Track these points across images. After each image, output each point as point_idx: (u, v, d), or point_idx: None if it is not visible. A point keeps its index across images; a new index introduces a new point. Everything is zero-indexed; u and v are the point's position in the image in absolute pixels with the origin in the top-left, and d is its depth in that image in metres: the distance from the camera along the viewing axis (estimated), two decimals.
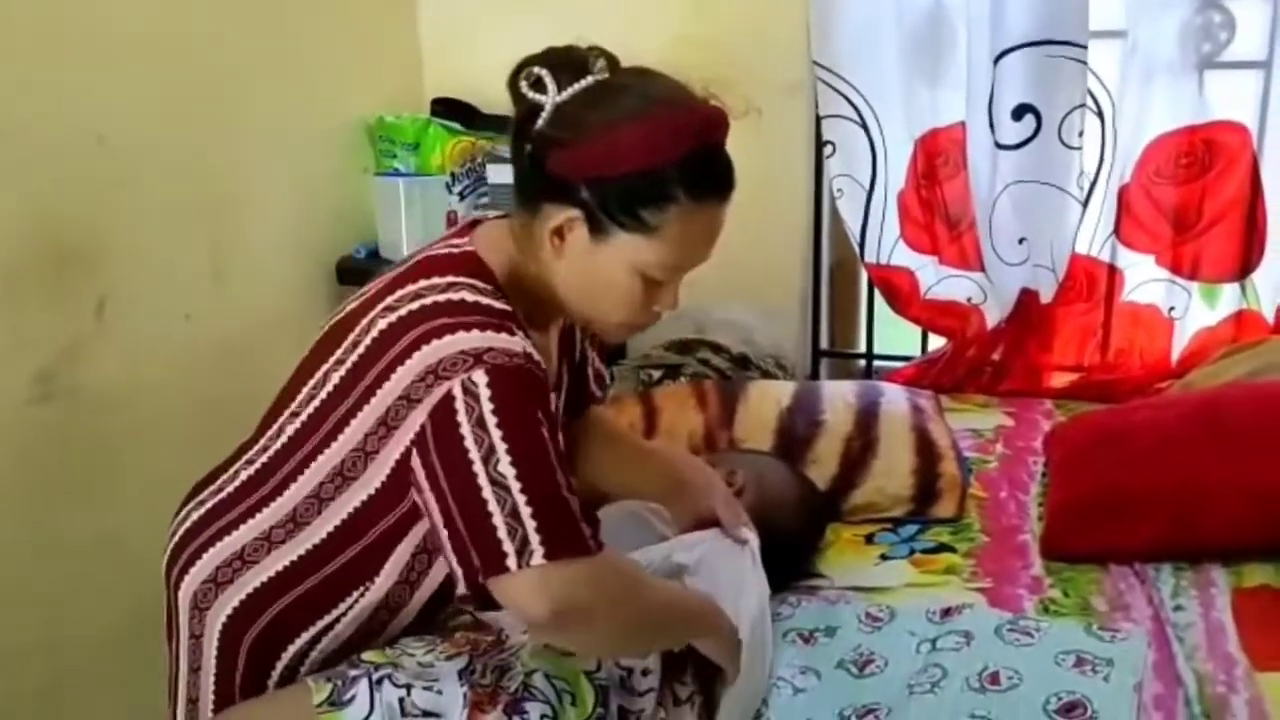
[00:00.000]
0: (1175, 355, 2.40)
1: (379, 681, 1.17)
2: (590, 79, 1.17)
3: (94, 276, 1.81)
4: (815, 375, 2.70)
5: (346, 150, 2.44)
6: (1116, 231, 2.37)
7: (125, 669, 1.85)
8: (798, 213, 2.59)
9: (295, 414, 1.27)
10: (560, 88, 1.16)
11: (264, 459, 1.28)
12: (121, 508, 1.86)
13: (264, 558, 1.24)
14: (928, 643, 1.54)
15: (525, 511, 1.10)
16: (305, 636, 1.25)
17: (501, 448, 1.10)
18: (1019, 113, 2.29)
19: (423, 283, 1.21)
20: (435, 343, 1.15)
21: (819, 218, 2.60)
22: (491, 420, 1.11)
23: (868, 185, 2.45)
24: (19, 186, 1.68)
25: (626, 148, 1.13)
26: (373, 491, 1.20)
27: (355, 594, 1.24)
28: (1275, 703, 1.38)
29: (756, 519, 1.59)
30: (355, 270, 2.38)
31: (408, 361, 1.15)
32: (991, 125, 2.30)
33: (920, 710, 1.39)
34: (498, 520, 1.09)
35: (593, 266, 1.19)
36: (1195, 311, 2.37)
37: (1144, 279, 2.39)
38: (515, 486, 1.10)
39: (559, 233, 1.19)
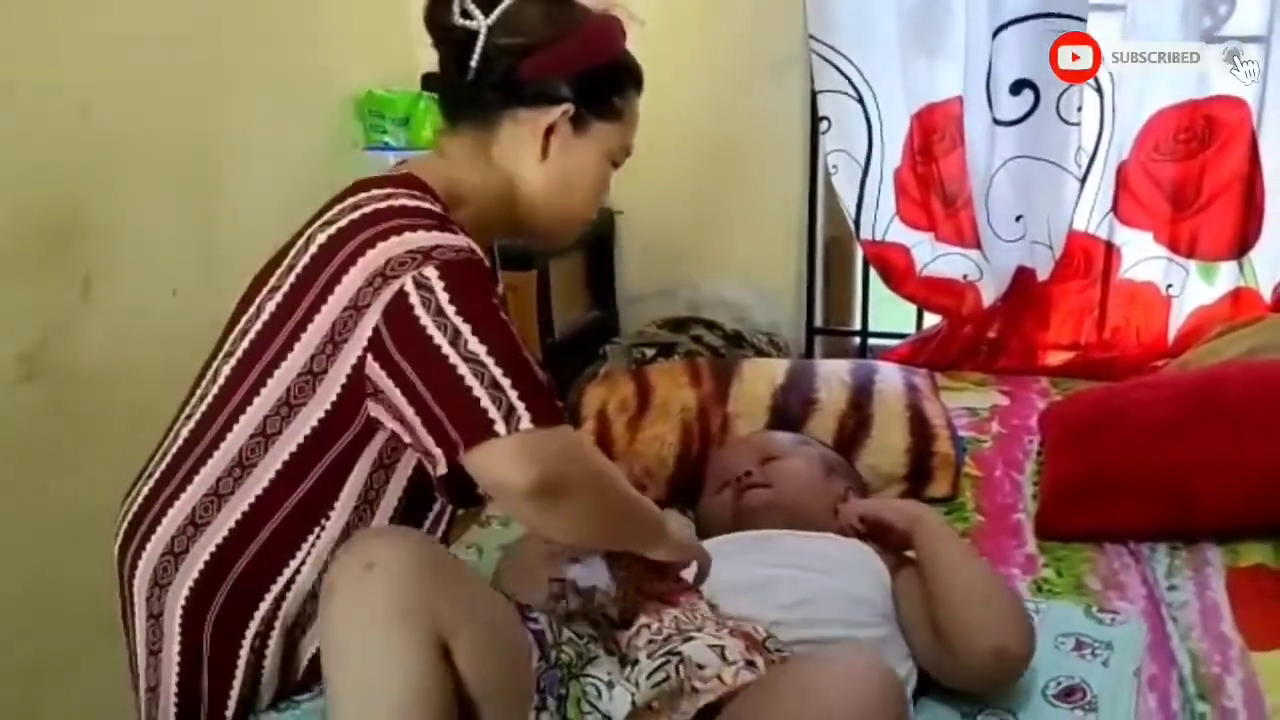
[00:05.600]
0: (1172, 333, 2.39)
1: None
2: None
3: (80, 253, 1.78)
4: (810, 353, 2.69)
5: (336, 124, 2.40)
6: (1114, 208, 2.36)
7: (112, 648, 1.83)
8: (792, 189, 2.57)
9: (229, 353, 1.22)
10: (485, 11, 1.21)
11: (203, 408, 1.22)
12: (107, 486, 1.84)
13: (215, 516, 1.18)
14: None
15: (505, 382, 1.05)
16: (269, 598, 1.19)
17: (466, 329, 1.07)
18: (1017, 88, 2.27)
19: (361, 195, 1.20)
20: (380, 245, 1.12)
21: (814, 194, 2.57)
22: (450, 309, 1.08)
23: (863, 161, 2.43)
24: (3, 161, 1.65)
25: (594, 45, 1.24)
26: (323, 414, 1.15)
27: (313, 535, 1.18)
28: (1270, 682, 1.38)
29: None
30: None
31: (351, 270, 1.12)
32: (989, 100, 2.28)
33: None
34: (479, 392, 1.05)
35: (573, 161, 1.27)
36: (1193, 289, 2.36)
37: (1142, 256, 2.38)
38: (489, 361, 1.06)
39: (548, 132, 1.24)
